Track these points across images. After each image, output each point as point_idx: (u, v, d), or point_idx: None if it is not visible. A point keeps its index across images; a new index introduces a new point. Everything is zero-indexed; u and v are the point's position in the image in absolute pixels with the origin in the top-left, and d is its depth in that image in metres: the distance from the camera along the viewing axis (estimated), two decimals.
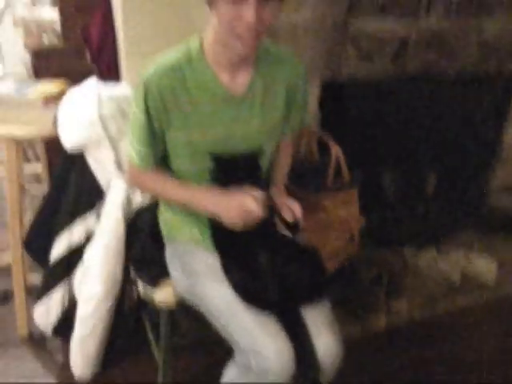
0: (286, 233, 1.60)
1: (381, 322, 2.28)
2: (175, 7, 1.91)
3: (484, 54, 2.65)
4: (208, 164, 1.49)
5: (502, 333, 2.34)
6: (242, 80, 1.46)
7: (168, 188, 1.52)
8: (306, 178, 2.24)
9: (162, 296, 1.60)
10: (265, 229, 1.50)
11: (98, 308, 1.79)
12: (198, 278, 1.48)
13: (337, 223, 2.25)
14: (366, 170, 2.50)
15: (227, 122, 1.47)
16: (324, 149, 2.33)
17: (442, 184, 2.89)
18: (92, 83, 1.81)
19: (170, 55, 1.43)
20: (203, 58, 1.42)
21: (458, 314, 2.41)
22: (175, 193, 1.52)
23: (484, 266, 2.57)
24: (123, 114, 1.74)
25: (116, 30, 2.00)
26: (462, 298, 2.47)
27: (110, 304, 1.81)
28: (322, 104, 2.44)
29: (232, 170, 1.50)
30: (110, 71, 2.01)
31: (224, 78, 1.44)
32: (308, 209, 2.25)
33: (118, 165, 1.73)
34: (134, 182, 1.60)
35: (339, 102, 2.54)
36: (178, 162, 1.51)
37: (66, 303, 1.91)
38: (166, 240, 1.66)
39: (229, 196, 1.44)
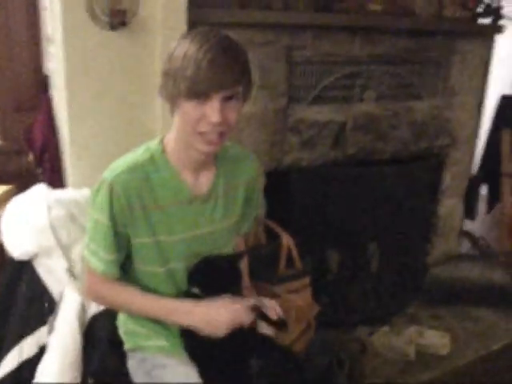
0: (267, 332, 1.56)
1: None
2: (122, 109, 1.91)
3: (415, 133, 2.79)
4: (175, 268, 1.46)
5: None
6: (204, 180, 1.46)
7: (135, 300, 1.45)
8: (258, 269, 2.23)
9: None
10: (243, 331, 1.44)
11: None
12: None
13: (293, 312, 2.24)
14: (312, 253, 2.54)
15: (192, 222, 1.45)
16: (272, 237, 2.35)
17: (385, 260, 2.94)
18: (39, 189, 1.75)
19: (131, 156, 1.41)
20: (166, 159, 1.41)
21: None
22: (144, 305, 1.44)
23: (437, 339, 2.60)
24: (73, 219, 1.69)
25: (59, 132, 1.97)
26: (420, 373, 2.47)
27: None
28: (267, 192, 2.47)
29: (217, 272, 1.47)
30: (54, 174, 1.95)
31: (187, 177, 1.43)
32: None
33: (71, 273, 1.66)
34: (94, 294, 1.51)
35: (283, 189, 2.58)
36: (143, 267, 1.46)
37: None
38: (128, 352, 1.57)
39: (214, 310, 1.38)
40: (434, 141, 2.88)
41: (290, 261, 2.31)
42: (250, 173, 1.58)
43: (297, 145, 2.49)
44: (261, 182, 1.66)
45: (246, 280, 1.70)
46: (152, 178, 1.39)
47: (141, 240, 1.42)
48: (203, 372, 1.41)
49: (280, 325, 1.52)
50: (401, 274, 2.92)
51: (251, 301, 1.41)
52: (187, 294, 1.48)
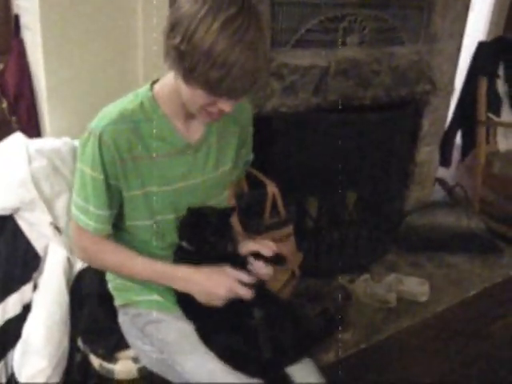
0: (265, 271, 1.51)
1: (330, 356, 2.24)
2: (102, 52, 1.78)
3: (396, 79, 2.74)
4: (168, 220, 1.39)
5: (441, 349, 2.38)
6: (197, 128, 1.38)
7: (130, 262, 1.37)
8: (242, 218, 2.18)
9: (124, 370, 1.47)
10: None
11: None
12: (170, 350, 1.35)
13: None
14: (293, 200, 2.50)
15: (184, 172, 1.38)
16: (255, 186, 2.29)
17: (363, 207, 2.93)
18: (17, 138, 1.63)
19: (119, 104, 1.32)
20: (157, 107, 1.32)
21: (401, 335, 2.42)
22: (140, 269, 1.37)
23: (416, 286, 2.62)
24: (56, 170, 1.59)
25: (33, 78, 1.82)
26: (401, 320, 2.49)
27: (58, 380, 1.61)
28: None
29: (206, 226, 1.39)
30: (30, 123, 1.82)
31: (179, 126, 1.35)
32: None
33: (55, 227, 1.56)
34: (86, 254, 1.42)
35: (264, 135, 2.50)
36: (135, 222, 1.39)
37: (4, 382, 1.69)
38: (119, 308, 1.51)
39: (212, 281, 1.32)
40: (414, 87, 2.84)
41: (274, 209, 2.26)
42: (244, 120, 1.51)
43: (279, 90, 2.41)
44: (252, 127, 1.57)
45: (238, 227, 1.64)
46: (142, 128, 1.31)
47: (132, 192, 1.34)
48: (200, 327, 1.37)
49: (277, 260, 1.47)
50: (379, 222, 2.91)
51: (249, 275, 1.36)
52: (178, 249, 1.42)
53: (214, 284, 1.31)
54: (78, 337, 1.59)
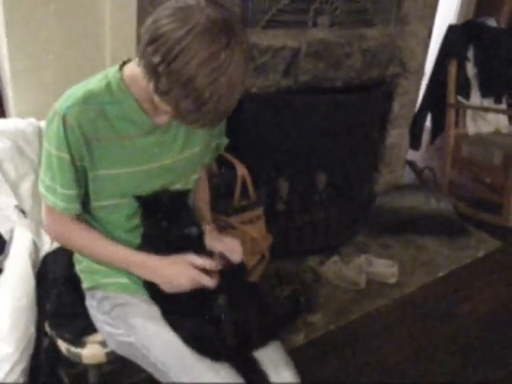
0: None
1: (300, 338, 2.25)
2: (69, 24, 1.73)
3: (367, 62, 2.74)
4: (134, 202, 1.36)
5: (409, 330, 2.41)
6: (165, 109, 1.35)
7: (97, 245, 1.36)
8: (213, 201, 2.17)
9: (91, 354, 1.45)
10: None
11: (11, 372, 1.56)
12: (137, 334, 1.34)
13: (248, 243, 2.20)
14: (263, 182, 2.49)
15: (152, 154, 1.36)
16: (225, 167, 2.27)
17: (333, 189, 2.94)
18: None
19: (85, 84, 1.29)
20: (125, 89, 1.29)
21: (370, 317, 2.45)
22: (106, 253, 1.36)
23: (385, 268, 2.65)
24: (20, 152, 1.54)
25: None
26: (370, 301, 2.52)
27: (24, 365, 1.59)
28: None
29: (158, 210, 1.37)
30: None
31: (147, 107, 1.32)
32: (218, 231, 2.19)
33: (20, 210, 1.52)
34: (54, 233, 1.41)
35: (234, 116, 2.47)
36: (101, 202, 1.36)
37: None
38: (86, 291, 1.49)
39: (173, 270, 1.32)
40: (385, 70, 2.84)
41: (244, 191, 2.25)
42: None
43: (249, 71, 2.38)
44: None
45: (207, 214, 1.62)
46: (108, 109, 1.28)
47: (98, 173, 1.31)
48: (166, 312, 1.36)
49: (240, 268, 1.47)
50: (348, 204, 2.93)
51: (212, 262, 1.34)
52: (142, 234, 1.40)
53: (175, 273, 1.31)
54: (45, 321, 1.56)
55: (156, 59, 1.08)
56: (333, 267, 2.61)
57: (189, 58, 1.05)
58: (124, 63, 1.33)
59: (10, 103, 1.71)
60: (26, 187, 1.54)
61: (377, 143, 3.11)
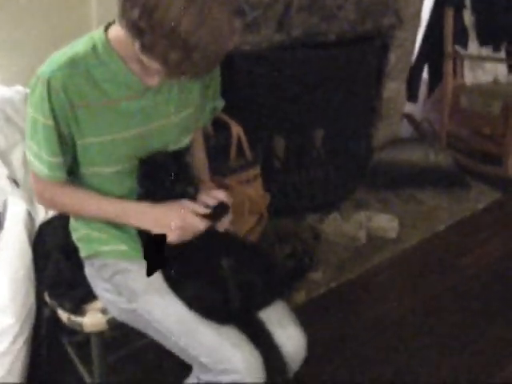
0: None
1: (301, 296, 2.25)
2: None
3: (361, 13, 2.66)
4: (127, 167, 1.33)
5: (411, 285, 2.41)
6: (156, 69, 1.30)
7: (87, 202, 1.34)
8: (209, 162, 2.13)
9: (92, 322, 1.43)
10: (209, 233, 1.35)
11: (14, 342, 1.56)
12: (139, 299, 1.32)
13: (246, 204, 2.18)
14: (259, 140, 2.45)
15: (144, 117, 1.31)
16: (220, 127, 2.23)
17: (331, 145, 2.90)
18: None
19: (69, 48, 1.24)
20: (110, 49, 1.24)
21: (371, 272, 2.45)
22: (96, 208, 1.34)
23: (385, 222, 2.63)
24: (8, 120, 1.50)
25: None
26: (371, 256, 2.51)
27: (26, 336, 1.58)
28: None
29: (159, 171, 1.34)
30: None
31: (136, 68, 1.27)
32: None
33: (12, 180, 1.49)
34: (44, 199, 1.38)
35: (226, 74, 2.42)
36: (91, 169, 1.33)
37: None
38: (84, 260, 1.47)
39: (165, 211, 1.30)
40: (379, 21, 2.76)
41: (239, 151, 2.21)
42: None
43: (240, 27, 2.31)
44: (218, 72, 1.50)
45: (205, 174, 1.59)
46: (95, 72, 1.23)
47: (87, 140, 1.28)
48: (168, 275, 1.34)
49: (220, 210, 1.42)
50: (347, 160, 2.89)
51: (202, 205, 1.32)
52: (139, 198, 1.37)
53: (168, 214, 1.29)
54: (45, 291, 1.55)
55: (135, 14, 1.04)
56: (333, 224, 2.60)
57: (168, 5, 1.01)
58: (110, 24, 1.27)
59: None
60: (16, 156, 1.50)
61: (373, 97, 3.05)
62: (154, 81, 1.30)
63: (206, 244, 1.33)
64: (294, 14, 2.43)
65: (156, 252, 1.33)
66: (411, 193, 3.00)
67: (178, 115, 1.38)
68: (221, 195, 1.39)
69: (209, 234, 1.32)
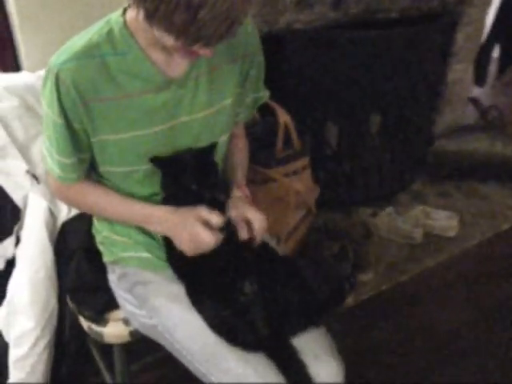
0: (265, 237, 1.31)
1: (348, 299, 2.08)
2: None
3: None
4: (148, 167, 1.19)
5: (469, 290, 2.21)
6: (181, 58, 1.12)
7: (106, 204, 1.22)
8: (252, 151, 1.97)
9: (114, 333, 1.32)
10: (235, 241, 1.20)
11: (34, 346, 1.47)
12: (160, 317, 1.20)
13: (292, 198, 2.01)
14: (309, 126, 2.27)
15: (167, 112, 1.16)
16: (267, 114, 2.06)
17: (388, 132, 2.69)
18: None
19: (85, 35, 1.09)
20: (129, 37, 1.09)
21: (425, 275, 2.25)
22: (115, 210, 1.22)
23: (444, 220, 2.42)
24: (30, 110, 1.38)
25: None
26: (426, 257, 2.32)
27: (48, 339, 1.49)
28: None
29: (182, 172, 1.19)
30: (5, 54, 1.58)
31: (158, 58, 1.12)
32: (259, 186, 2.01)
33: (32, 176, 1.37)
34: (61, 198, 1.29)
35: (276, 55, 2.24)
36: (109, 168, 1.20)
37: None
38: (107, 264, 1.35)
39: (179, 220, 1.15)
40: None
41: (287, 140, 2.04)
42: (247, 46, 1.24)
43: (293, 4, 2.13)
44: (261, 59, 1.32)
45: (239, 181, 1.42)
46: (110, 62, 1.09)
47: (103, 137, 1.14)
48: (190, 289, 1.19)
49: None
50: (405, 148, 2.68)
51: (218, 216, 1.15)
52: (164, 201, 1.23)
53: (180, 224, 1.15)
54: (67, 294, 1.44)
55: None
56: (386, 219, 2.40)
57: None
58: (129, 7, 1.11)
59: (22, 54, 1.53)
60: (37, 150, 1.38)
61: (437, 80, 2.80)
62: (176, 71, 1.14)
63: (231, 257, 1.18)
64: None
65: (179, 260, 1.20)
66: (474, 186, 2.76)
67: (208, 110, 1.22)
68: (256, 221, 1.22)
69: (235, 245, 1.18)
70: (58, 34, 1.45)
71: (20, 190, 1.39)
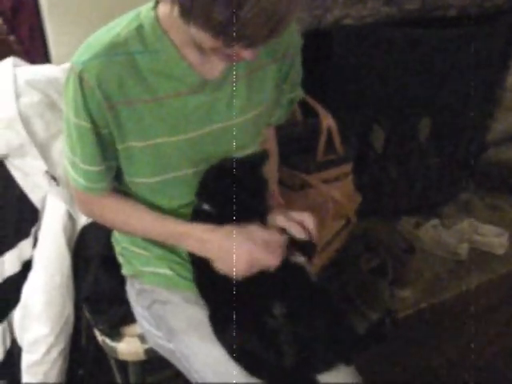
0: (299, 259, 1.21)
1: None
2: None
3: None
4: (176, 177, 1.09)
5: None
6: (217, 58, 1.00)
7: (135, 220, 1.12)
8: (292, 154, 1.85)
9: (129, 349, 1.24)
10: None
11: (48, 353, 1.40)
12: (178, 341, 1.11)
13: (330, 206, 1.88)
14: (355, 128, 2.13)
15: (201, 117, 1.06)
16: (309, 115, 1.93)
17: (438, 137, 2.53)
18: (6, 65, 1.31)
19: (110, 29, 0.99)
20: (162, 33, 0.98)
21: (470, 294, 2.10)
22: (145, 227, 1.11)
23: (493, 237, 2.25)
24: (52, 106, 1.29)
25: None
26: (471, 276, 2.16)
27: (62, 346, 1.41)
28: (304, 57, 2.02)
29: (232, 183, 1.07)
30: (34, 44, 1.48)
31: (192, 57, 1.01)
32: (296, 191, 1.89)
33: (51, 177, 1.28)
34: (85, 212, 1.19)
35: (324, 53, 2.10)
36: (135, 178, 1.10)
37: (8, 343, 1.50)
38: (126, 277, 1.26)
39: (230, 241, 1.03)
40: None
41: (329, 144, 1.91)
42: (287, 44, 1.14)
43: None
44: (299, 58, 1.21)
45: (273, 186, 1.31)
46: (140, 61, 0.98)
47: (130, 144, 1.04)
48: (214, 314, 1.09)
49: (305, 247, 1.18)
50: (455, 155, 2.51)
51: (281, 238, 1.04)
52: (196, 212, 1.12)
53: (233, 246, 1.03)
54: (83, 303, 1.36)
55: None
56: (431, 232, 2.24)
57: None
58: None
59: (51, 44, 1.44)
60: (57, 149, 1.29)
61: (494, 84, 2.61)
62: (213, 72, 1.04)
63: (262, 278, 1.06)
64: None
65: (207, 281, 1.10)
66: None
67: (248, 114, 1.12)
68: (307, 220, 1.12)
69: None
70: (87, 23, 1.35)
71: (39, 190, 1.31)
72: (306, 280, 1.15)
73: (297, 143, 1.91)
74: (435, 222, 2.28)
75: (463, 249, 2.18)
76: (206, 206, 1.10)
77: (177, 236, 1.09)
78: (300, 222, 1.12)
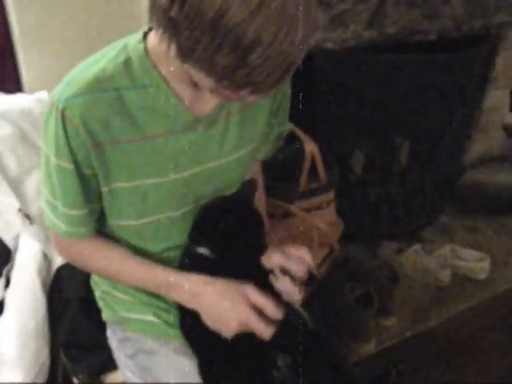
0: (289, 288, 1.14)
1: (371, 345, 1.90)
2: None
3: (469, 9, 2.22)
4: (162, 219, 1.02)
5: (503, 340, 2.02)
6: (209, 95, 0.93)
7: (120, 267, 1.04)
8: (274, 182, 1.79)
9: None
10: None
11: None
12: None
13: (315, 235, 1.83)
14: (336, 152, 2.09)
15: (192, 156, 0.99)
16: (292, 143, 1.89)
17: (416, 161, 2.50)
18: None
19: (96, 62, 0.91)
20: (151, 67, 0.91)
21: (454, 321, 2.07)
22: (131, 275, 1.04)
23: (474, 262, 2.23)
24: (24, 139, 1.20)
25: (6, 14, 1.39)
26: (454, 302, 2.13)
27: None
28: None
29: (227, 221, 1.02)
30: (4, 73, 1.39)
31: (184, 93, 0.95)
32: (278, 220, 1.83)
33: (25, 215, 1.20)
34: (65, 257, 1.12)
35: (304, 76, 2.06)
36: (119, 221, 1.02)
37: None
38: (107, 322, 1.17)
39: (223, 301, 0.96)
40: (491, 18, 2.31)
41: (312, 172, 1.86)
42: None
43: (325, 22, 1.94)
44: (288, 88, 1.16)
45: (264, 219, 1.25)
46: (127, 97, 0.91)
47: (116, 185, 0.97)
48: (203, 364, 1.02)
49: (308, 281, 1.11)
50: (434, 178, 2.49)
51: (275, 304, 0.97)
52: (191, 256, 1.04)
53: (226, 307, 0.95)
54: (60, 349, 1.27)
55: (164, 0, 0.71)
56: (413, 257, 2.21)
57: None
58: (150, 29, 0.93)
59: (23, 73, 1.35)
60: (31, 185, 1.21)
61: (472, 106, 2.61)
62: (204, 109, 0.97)
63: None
64: (391, 8, 2.03)
65: (194, 328, 1.02)
66: (506, 222, 2.56)
67: (236, 153, 1.06)
68: (305, 255, 1.05)
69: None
70: (62, 50, 1.28)
71: (11, 229, 1.22)
72: (304, 327, 1.09)
73: (279, 171, 1.85)
74: (417, 247, 2.25)
75: (445, 275, 2.16)
76: (202, 250, 1.03)
77: (167, 287, 1.01)
78: (298, 258, 1.05)
